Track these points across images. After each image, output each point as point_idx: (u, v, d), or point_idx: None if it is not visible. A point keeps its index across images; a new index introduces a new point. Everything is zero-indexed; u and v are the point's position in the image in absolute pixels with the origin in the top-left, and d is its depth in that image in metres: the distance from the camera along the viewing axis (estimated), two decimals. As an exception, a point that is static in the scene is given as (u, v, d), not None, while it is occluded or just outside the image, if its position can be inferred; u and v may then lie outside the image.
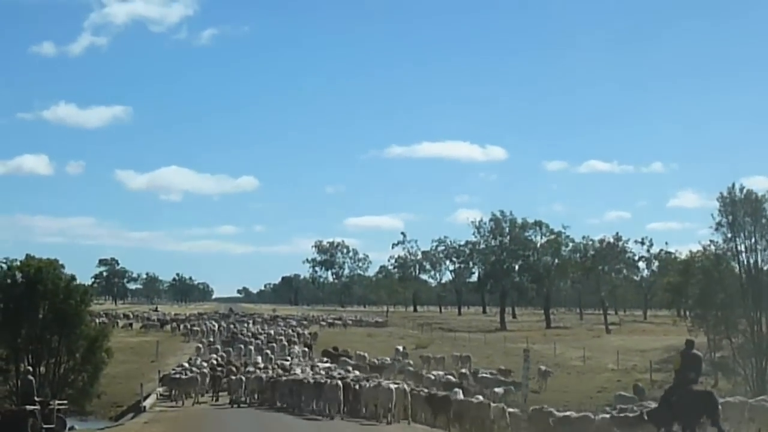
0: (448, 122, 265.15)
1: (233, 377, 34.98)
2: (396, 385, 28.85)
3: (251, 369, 37.79)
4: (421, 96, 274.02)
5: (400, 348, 57.11)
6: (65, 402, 31.96)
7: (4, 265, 39.73)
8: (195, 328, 76.22)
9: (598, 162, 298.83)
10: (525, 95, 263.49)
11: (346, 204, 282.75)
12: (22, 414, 27.69)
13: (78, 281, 41.03)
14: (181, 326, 79.72)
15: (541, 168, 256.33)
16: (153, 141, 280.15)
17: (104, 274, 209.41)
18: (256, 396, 33.74)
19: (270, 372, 35.41)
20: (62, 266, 40.35)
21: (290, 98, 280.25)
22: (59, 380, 37.42)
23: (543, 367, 46.32)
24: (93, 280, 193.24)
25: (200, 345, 57.30)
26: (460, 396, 30.28)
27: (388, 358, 49.93)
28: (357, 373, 36.01)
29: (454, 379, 36.65)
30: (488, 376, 40.70)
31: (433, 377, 37.94)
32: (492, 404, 29.01)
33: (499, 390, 35.26)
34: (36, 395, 29.23)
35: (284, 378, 33.00)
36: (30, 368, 33.13)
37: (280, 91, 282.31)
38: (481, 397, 30.68)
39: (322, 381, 30.54)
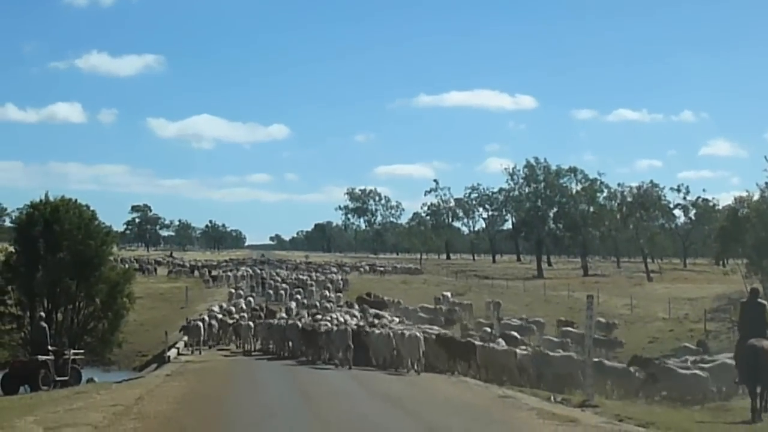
0: (477, 71, 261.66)
1: (242, 323, 32.89)
2: (419, 333, 26.45)
3: (284, 315, 35.51)
4: (449, 45, 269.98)
5: (448, 294, 54.67)
6: (82, 351, 29.87)
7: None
8: (229, 273, 74.88)
9: (628, 111, 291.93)
10: (554, 44, 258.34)
11: (376, 152, 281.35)
12: (33, 365, 25.74)
13: (100, 222, 38.53)
14: (212, 272, 78.26)
15: (571, 117, 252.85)
16: (184, 89, 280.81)
17: (136, 220, 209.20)
18: (286, 345, 31.30)
19: (291, 319, 32.98)
20: (93, 211, 37.90)
21: (319, 46, 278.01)
22: (78, 328, 35.31)
23: (603, 319, 42.38)
24: (125, 226, 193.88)
25: (232, 290, 55.56)
26: (502, 344, 28.55)
27: (422, 306, 47.82)
28: (395, 322, 33.52)
29: (517, 335, 34.21)
30: (574, 330, 37.53)
31: (490, 330, 35.57)
32: (518, 352, 26.95)
33: (549, 338, 33.16)
34: (51, 344, 27.37)
35: (291, 323, 30.76)
36: (43, 314, 31.17)
37: (309, 39, 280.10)
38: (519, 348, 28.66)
39: (330, 327, 28.28)
